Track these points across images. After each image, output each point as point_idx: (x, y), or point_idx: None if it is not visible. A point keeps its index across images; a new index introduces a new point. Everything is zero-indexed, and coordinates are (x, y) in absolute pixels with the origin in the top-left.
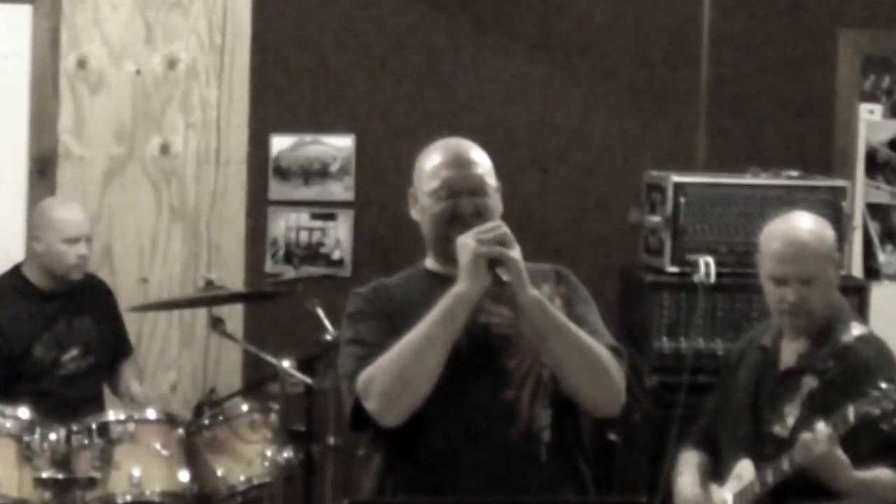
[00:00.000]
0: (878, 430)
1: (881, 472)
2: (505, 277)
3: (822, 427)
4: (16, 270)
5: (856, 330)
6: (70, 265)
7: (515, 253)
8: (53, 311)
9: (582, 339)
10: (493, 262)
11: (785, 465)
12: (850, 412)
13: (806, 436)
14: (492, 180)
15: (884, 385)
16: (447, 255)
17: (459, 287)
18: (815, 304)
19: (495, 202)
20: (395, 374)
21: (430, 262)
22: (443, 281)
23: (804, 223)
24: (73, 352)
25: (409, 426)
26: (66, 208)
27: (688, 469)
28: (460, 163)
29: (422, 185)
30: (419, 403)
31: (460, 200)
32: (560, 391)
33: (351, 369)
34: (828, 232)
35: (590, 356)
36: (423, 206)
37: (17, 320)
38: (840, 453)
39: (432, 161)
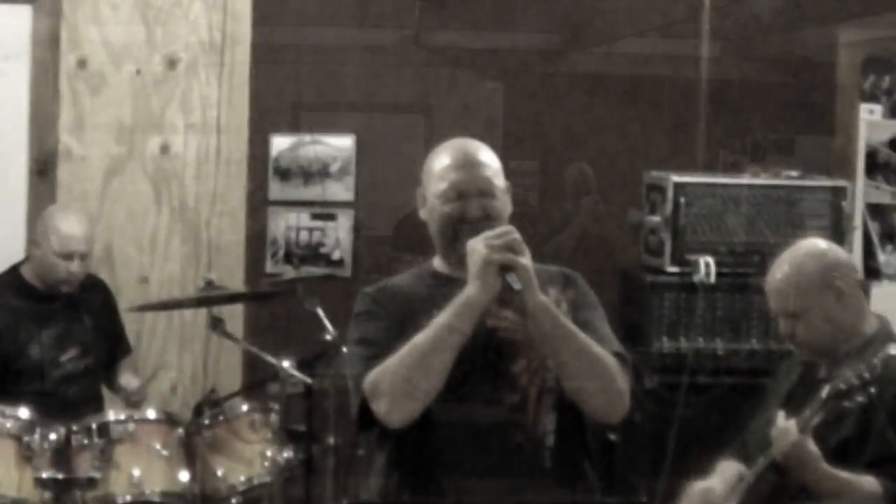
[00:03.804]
0: (879, 441)
1: (863, 478)
2: (516, 285)
3: (792, 421)
4: (14, 270)
5: (893, 350)
6: (59, 279)
7: (526, 259)
8: (51, 312)
9: (588, 345)
10: (504, 269)
11: (760, 461)
12: (824, 391)
13: (779, 426)
14: (500, 181)
15: (862, 366)
16: (455, 257)
17: (469, 292)
18: (807, 336)
19: (503, 204)
20: (402, 377)
21: (437, 263)
22: (450, 282)
23: (794, 255)
24: (72, 352)
25: (414, 427)
26: (68, 221)
27: (717, 473)
28: (468, 164)
29: (430, 186)
30: (425, 406)
31: (468, 203)
32: (565, 395)
33: (358, 370)
34: (817, 262)
35: (595, 363)
36: (431, 208)
37: (14, 320)
38: (811, 445)
39: (441, 162)
